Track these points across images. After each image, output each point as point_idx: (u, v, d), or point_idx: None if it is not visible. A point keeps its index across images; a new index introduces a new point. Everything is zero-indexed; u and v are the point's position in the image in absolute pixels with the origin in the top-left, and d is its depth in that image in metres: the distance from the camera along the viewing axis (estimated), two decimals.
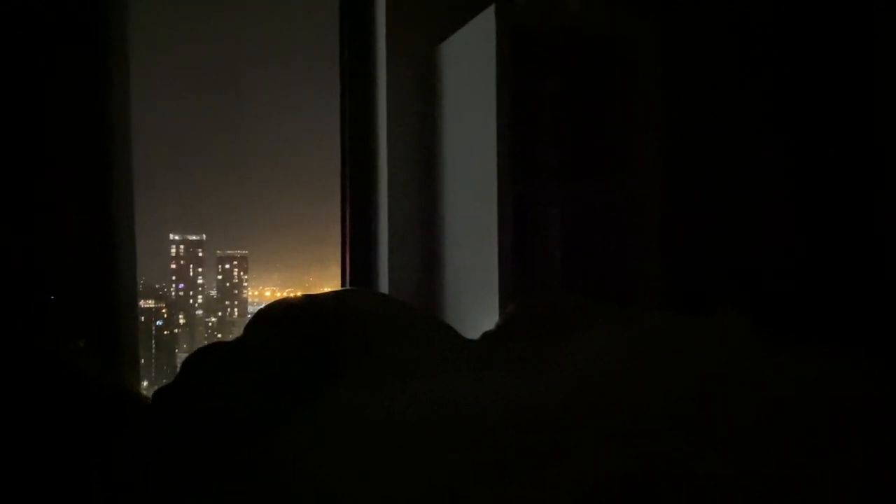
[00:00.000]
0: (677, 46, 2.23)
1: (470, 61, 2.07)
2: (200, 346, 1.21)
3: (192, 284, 5.39)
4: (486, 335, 1.49)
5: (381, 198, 2.32)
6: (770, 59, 2.18)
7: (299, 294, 1.42)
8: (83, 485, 0.94)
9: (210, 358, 1.17)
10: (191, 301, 5.35)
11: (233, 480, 0.92)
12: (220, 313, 5.53)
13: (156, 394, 1.14)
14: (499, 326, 1.53)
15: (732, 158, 2.21)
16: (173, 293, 5.32)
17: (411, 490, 0.86)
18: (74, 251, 1.83)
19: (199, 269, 5.44)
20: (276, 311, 1.30)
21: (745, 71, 2.23)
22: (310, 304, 1.31)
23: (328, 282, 2.65)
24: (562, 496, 0.83)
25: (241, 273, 5.52)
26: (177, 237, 5.36)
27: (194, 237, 5.44)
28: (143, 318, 5.02)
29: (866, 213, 1.98)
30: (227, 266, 5.49)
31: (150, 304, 5.15)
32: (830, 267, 2.01)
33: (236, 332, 1.37)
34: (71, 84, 1.86)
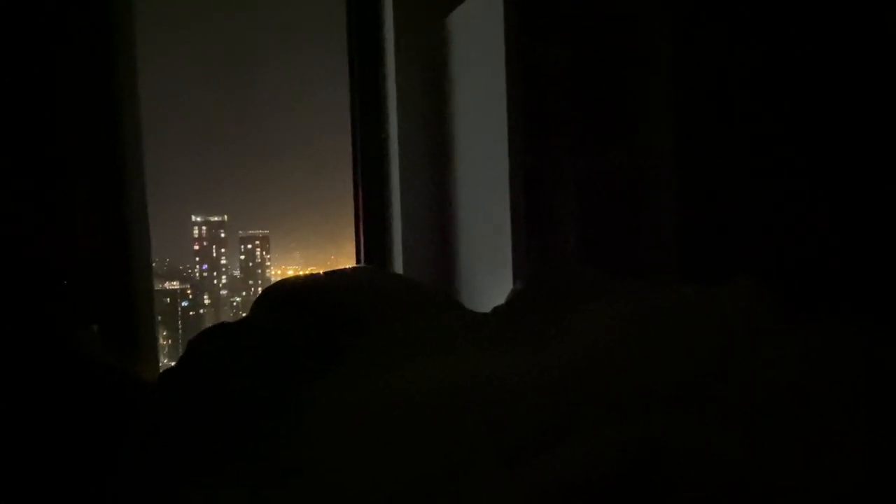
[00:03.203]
0: (691, 14, 2.17)
1: (478, 33, 2.04)
2: None
3: (215, 265, 5.45)
4: (496, 310, 1.48)
5: (393, 175, 2.31)
6: (787, 25, 2.12)
7: (321, 273, 1.41)
8: (90, 470, 0.95)
9: (215, 340, 1.17)
10: (215, 282, 5.42)
11: (237, 463, 0.92)
12: (244, 293, 5.59)
13: (161, 376, 1.14)
14: (509, 301, 1.51)
15: (749, 127, 2.16)
16: (197, 274, 5.39)
17: (417, 469, 0.86)
18: (87, 237, 1.84)
19: (222, 250, 5.50)
20: (282, 291, 1.30)
21: (762, 39, 2.18)
22: (315, 284, 1.31)
23: (350, 259, 2.65)
24: (570, 473, 0.83)
25: (264, 253, 5.57)
26: (199, 219, 5.41)
27: (216, 218, 5.50)
28: (168, 299, 5.10)
29: (890, 182, 1.93)
30: (250, 246, 5.54)
31: (175, 285, 5.22)
32: (851, 236, 1.97)
33: None
34: (79, 72, 1.86)
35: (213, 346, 1.15)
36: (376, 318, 1.22)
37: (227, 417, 1.01)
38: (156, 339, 2.01)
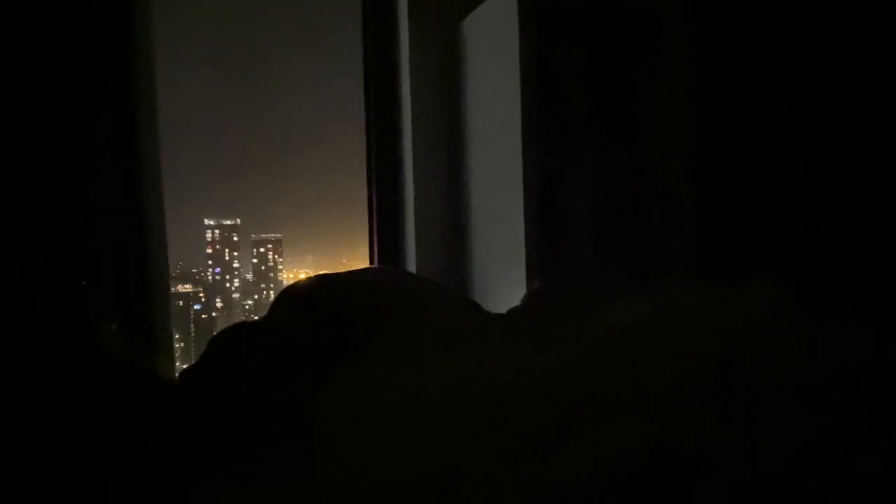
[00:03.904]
0: (706, 14, 2.17)
1: (493, 36, 2.05)
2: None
3: (228, 268, 5.47)
4: (512, 311, 1.49)
5: (407, 177, 2.32)
6: (806, 24, 2.11)
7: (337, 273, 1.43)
8: (110, 464, 0.96)
9: (234, 338, 1.18)
10: (227, 285, 5.43)
11: (252, 461, 0.93)
12: (256, 296, 5.60)
13: (181, 374, 1.15)
14: (525, 302, 1.52)
15: (766, 126, 2.16)
16: (210, 277, 5.40)
17: (427, 468, 0.86)
18: (105, 236, 1.85)
19: (235, 253, 5.51)
20: (299, 292, 1.31)
21: (779, 37, 2.17)
22: (332, 284, 1.32)
23: (363, 262, 2.66)
24: (583, 471, 0.83)
25: (276, 256, 5.58)
26: (212, 222, 5.43)
27: (229, 222, 5.51)
28: (181, 302, 5.11)
29: None
30: (262, 249, 5.56)
31: (188, 288, 5.24)
32: (870, 237, 1.96)
33: None
34: (97, 73, 1.88)
35: (232, 345, 1.16)
36: (391, 317, 1.23)
37: (243, 416, 1.02)
38: (171, 340, 2.03)
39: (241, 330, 1.21)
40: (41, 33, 1.74)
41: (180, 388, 1.12)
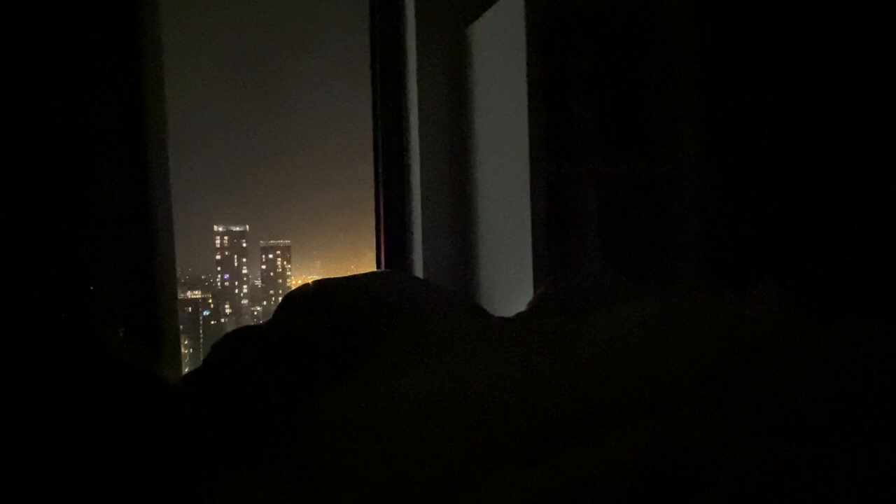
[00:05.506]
0: (713, 21, 2.17)
1: (499, 42, 2.05)
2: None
3: (237, 274, 5.50)
4: (518, 315, 1.48)
5: (414, 182, 2.32)
6: (811, 31, 2.11)
7: (343, 277, 1.42)
8: (115, 466, 0.96)
9: (238, 342, 1.18)
10: (236, 291, 5.46)
11: (257, 464, 0.93)
12: (264, 302, 5.62)
13: (185, 377, 1.15)
14: (531, 307, 1.51)
15: (773, 131, 2.15)
16: (219, 283, 5.43)
17: (435, 470, 0.86)
18: (114, 242, 1.86)
19: (244, 260, 5.55)
20: (303, 296, 1.31)
21: (787, 43, 2.17)
22: (337, 288, 1.32)
23: (369, 269, 2.66)
24: (589, 474, 0.82)
25: (285, 262, 5.61)
26: (221, 228, 5.47)
27: (238, 228, 5.55)
28: (189, 308, 5.14)
29: None
30: (271, 256, 5.59)
31: (197, 294, 5.27)
32: (877, 240, 1.95)
33: None
34: (107, 80, 1.89)
35: (237, 348, 1.16)
36: (397, 321, 1.23)
37: (248, 419, 1.02)
38: (179, 345, 2.03)
39: (245, 334, 1.20)
40: (48, 40, 1.75)
41: (184, 392, 1.12)
